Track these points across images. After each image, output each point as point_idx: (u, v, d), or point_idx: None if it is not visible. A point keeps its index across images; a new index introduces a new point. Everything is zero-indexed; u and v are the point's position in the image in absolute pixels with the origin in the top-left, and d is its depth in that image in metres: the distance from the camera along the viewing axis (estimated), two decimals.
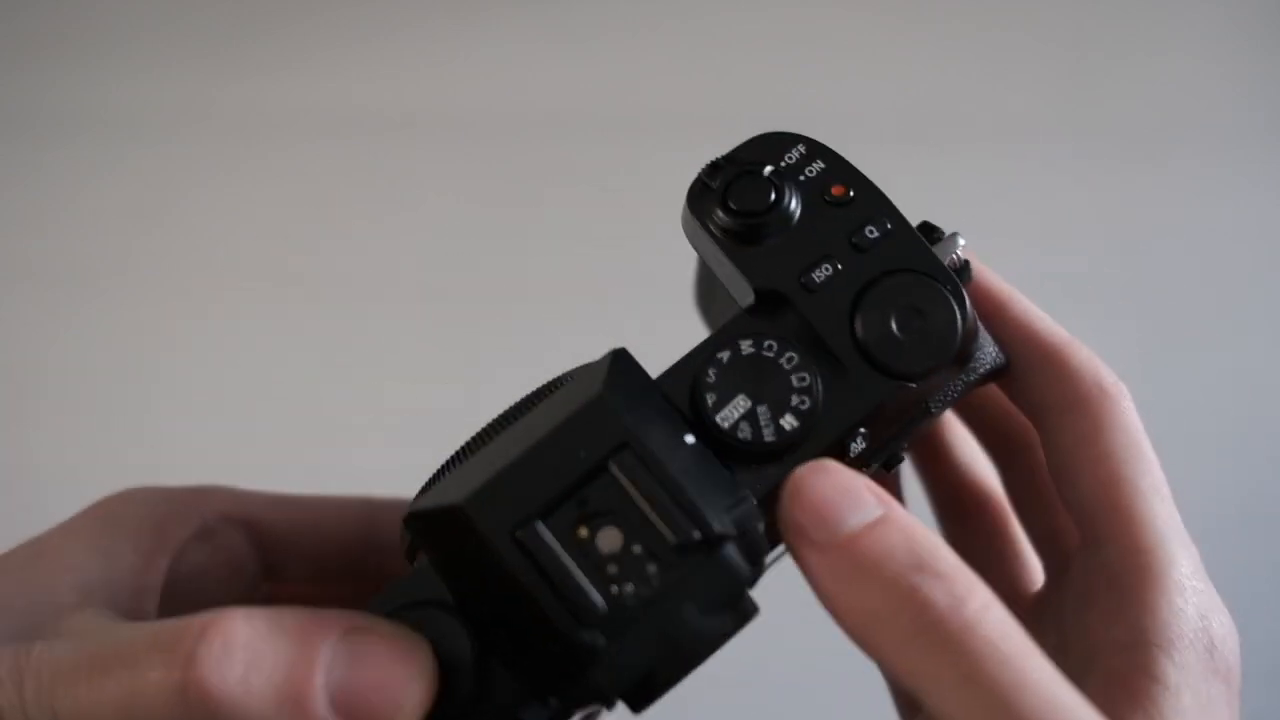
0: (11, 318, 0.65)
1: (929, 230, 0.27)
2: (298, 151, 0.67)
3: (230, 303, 0.65)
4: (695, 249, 0.28)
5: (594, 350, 0.26)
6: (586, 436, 0.22)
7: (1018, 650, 0.21)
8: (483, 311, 0.65)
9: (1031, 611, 0.29)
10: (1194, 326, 0.64)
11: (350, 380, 0.64)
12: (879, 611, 0.21)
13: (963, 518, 0.33)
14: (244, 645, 0.21)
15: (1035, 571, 0.32)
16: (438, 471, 0.26)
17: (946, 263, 0.26)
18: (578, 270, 0.65)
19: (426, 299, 0.65)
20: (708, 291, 0.32)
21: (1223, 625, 0.25)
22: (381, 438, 0.60)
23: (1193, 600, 0.25)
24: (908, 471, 0.35)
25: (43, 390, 0.64)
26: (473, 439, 0.26)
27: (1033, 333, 0.28)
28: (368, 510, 0.33)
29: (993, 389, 0.30)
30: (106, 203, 0.67)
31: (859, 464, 0.26)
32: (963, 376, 0.27)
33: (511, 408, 0.26)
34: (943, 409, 0.27)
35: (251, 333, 0.65)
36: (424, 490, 0.25)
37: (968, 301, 0.25)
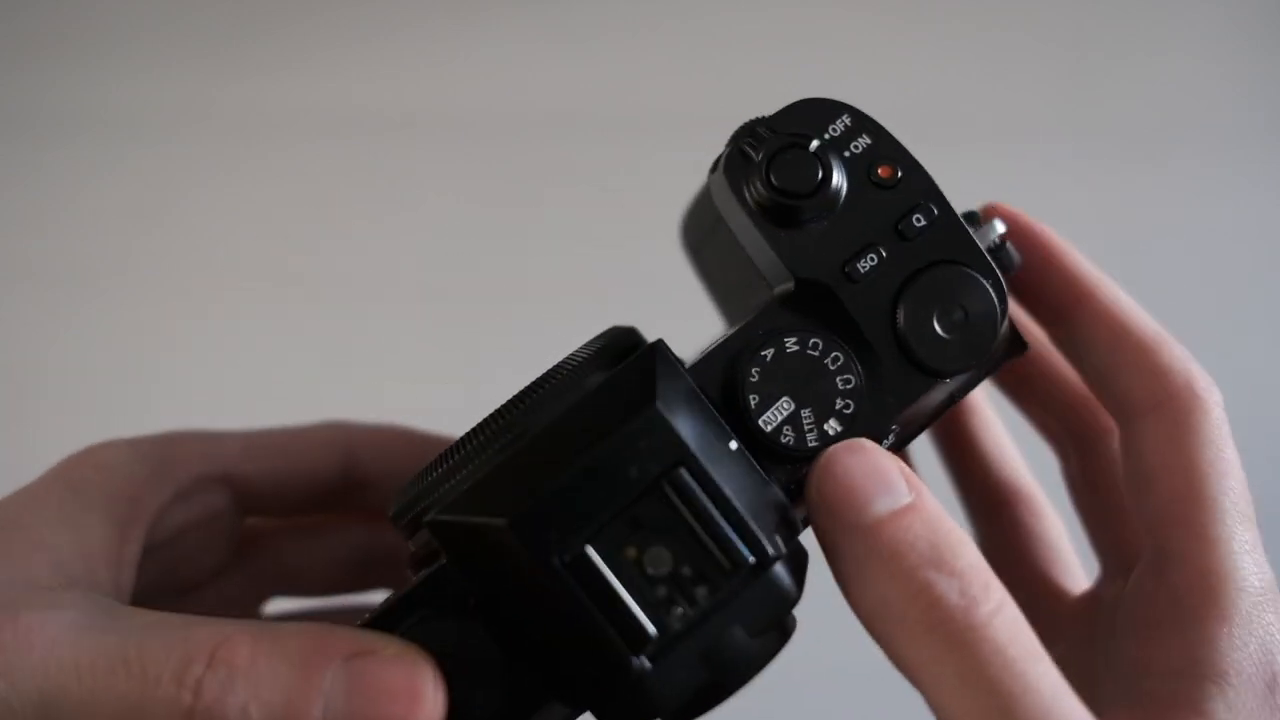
0: (11, 318, 0.65)
1: (970, 219, 0.26)
2: (298, 151, 0.67)
3: (230, 303, 0.65)
4: (720, 211, 0.27)
5: None
6: (640, 453, 0.21)
7: (1023, 655, 0.20)
8: (483, 311, 0.65)
9: (1079, 615, 0.28)
10: (1194, 326, 0.63)
11: (350, 380, 0.63)
12: (891, 602, 0.21)
13: (992, 513, 0.32)
14: (246, 674, 0.21)
15: (1073, 570, 0.31)
16: (447, 453, 0.24)
17: (985, 247, 0.25)
18: (578, 270, 0.65)
19: (426, 299, 0.65)
20: (709, 234, 0.31)
21: None
22: None
23: (1258, 634, 0.23)
24: (933, 461, 0.35)
25: (43, 390, 0.64)
26: (489, 423, 0.24)
27: (1122, 325, 0.26)
28: (344, 438, 0.32)
29: (1073, 378, 0.29)
30: (106, 203, 0.67)
31: None
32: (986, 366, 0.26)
33: (532, 387, 0.24)
34: (963, 396, 0.26)
35: (251, 333, 0.64)
36: (432, 473, 0.24)
37: (1008, 297, 0.25)
